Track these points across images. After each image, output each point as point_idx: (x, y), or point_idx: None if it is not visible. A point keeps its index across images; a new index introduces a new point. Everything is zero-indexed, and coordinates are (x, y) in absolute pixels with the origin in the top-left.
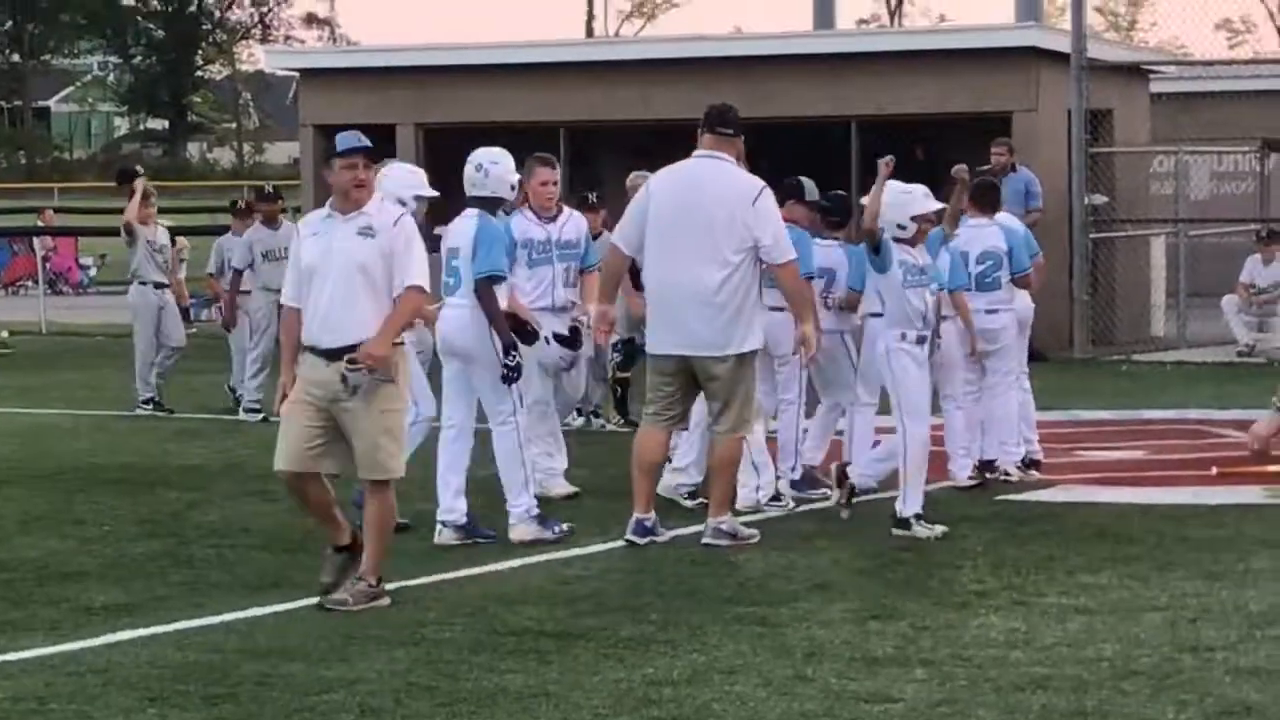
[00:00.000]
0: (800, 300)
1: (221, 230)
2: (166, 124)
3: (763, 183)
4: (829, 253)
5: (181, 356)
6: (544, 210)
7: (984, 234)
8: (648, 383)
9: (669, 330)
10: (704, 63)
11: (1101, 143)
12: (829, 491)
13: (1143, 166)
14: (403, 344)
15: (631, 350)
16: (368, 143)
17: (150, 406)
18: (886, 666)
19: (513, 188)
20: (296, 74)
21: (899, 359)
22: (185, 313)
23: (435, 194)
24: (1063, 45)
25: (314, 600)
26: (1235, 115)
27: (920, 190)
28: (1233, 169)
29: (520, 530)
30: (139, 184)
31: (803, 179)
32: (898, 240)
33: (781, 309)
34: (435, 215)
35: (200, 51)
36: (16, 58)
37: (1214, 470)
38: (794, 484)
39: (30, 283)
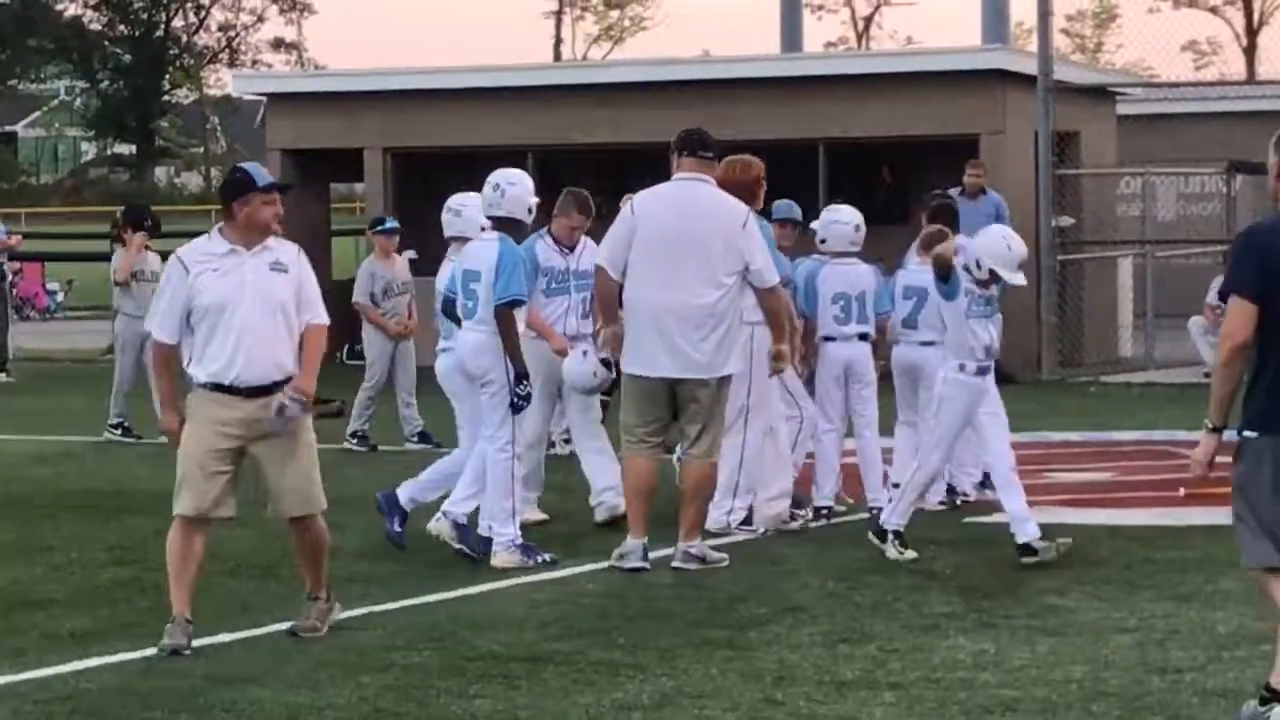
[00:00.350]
0: (783, 322)
1: None
2: (134, 149)
3: (748, 208)
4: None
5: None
6: (565, 241)
7: None
8: (633, 408)
9: (661, 353)
10: (672, 86)
11: (1068, 164)
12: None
13: (1110, 188)
14: None
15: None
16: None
17: (119, 431)
18: (856, 690)
19: (530, 210)
20: (264, 98)
21: (950, 390)
22: None
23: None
24: (1029, 67)
25: (283, 626)
26: (1202, 137)
27: (1019, 256)
28: (1199, 190)
29: (503, 558)
30: (138, 240)
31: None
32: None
33: (931, 343)
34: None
35: (168, 76)
36: None
37: (1182, 492)
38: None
39: None
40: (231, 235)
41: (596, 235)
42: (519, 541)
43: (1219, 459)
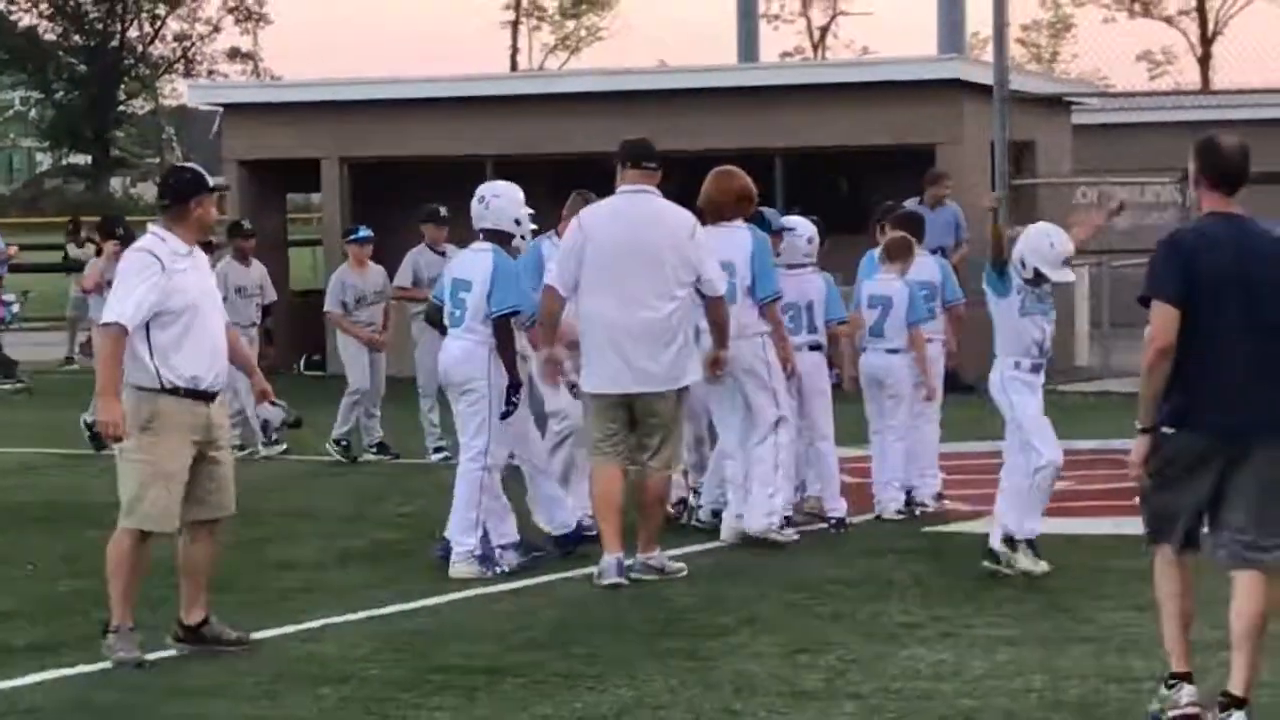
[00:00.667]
0: (725, 330)
1: None
2: (89, 159)
3: (695, 217)
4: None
5: None
6: None
7: (919, 264)
8: (594, 422)
9: (619, 369)
10: (629, 96)
11: (1025, 174)
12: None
13: (1065, 198)
14: None
15: None
16: None
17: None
18: (816, 700)
19: (518, 221)
20: (220, 109)
21: (1014, 387)
22: None
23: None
24: (985, 77)
25: (238, 634)
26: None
27: (1063, 254)
28: (1155, 200)
29: (461, 569)
30: (109, 249)
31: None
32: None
33: (896, 350)
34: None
35: (123, 86)
36: None
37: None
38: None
39: None
40: (184, 235)
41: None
42: (477, 552)
43: None
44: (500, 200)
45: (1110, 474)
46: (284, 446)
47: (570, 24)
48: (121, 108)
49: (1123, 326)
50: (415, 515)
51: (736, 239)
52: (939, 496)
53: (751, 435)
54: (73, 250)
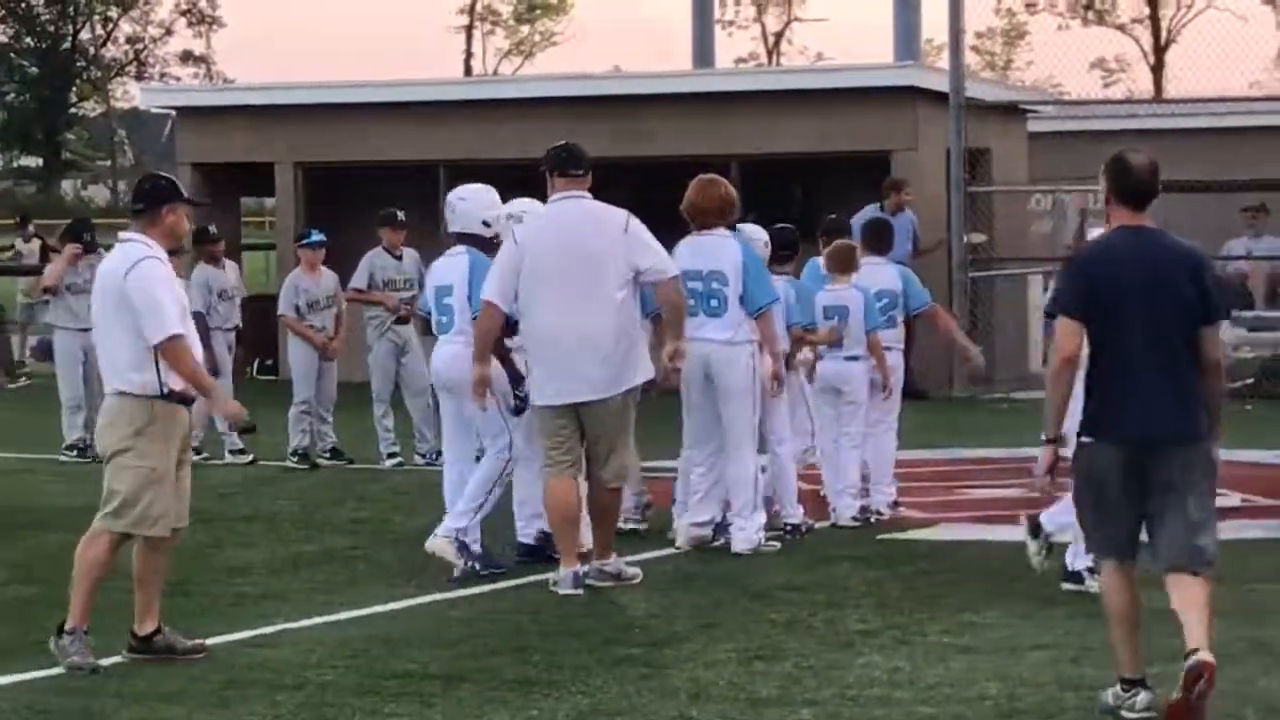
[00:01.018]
0: (679, 315)
1: None
2: (40, 161)
3: (626, 211)
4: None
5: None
6: None
7: (880, 272)
8: (543, 431)
9: (565, 379)
10: (583, 101)
11: (980, 181)
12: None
13: (1021, 205)
14: None
15: None
16: None
17: (74, 453)
18: (771, 707)
19: (486, 223)
20: (172, 112)
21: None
22: None
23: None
24: (941, 84)
25: (195, 642)
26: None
27: None
28: None
29: (439, 544)
30: (69, 250)
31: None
32: None
33: (855, 358)
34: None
35: (75, 88)
36: None
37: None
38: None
39: None
40: (159, 240)
41: None
42: (462, 538)
43: None
44: (466, 203)
45: (1065, 481)
46: (250, 458)
47: (524, 29)
48: (73, 110)
49: None
50: (369, 521)
51: (727, 249)
52: (895, 504)
53: (728, 450)
54: (19, 244)
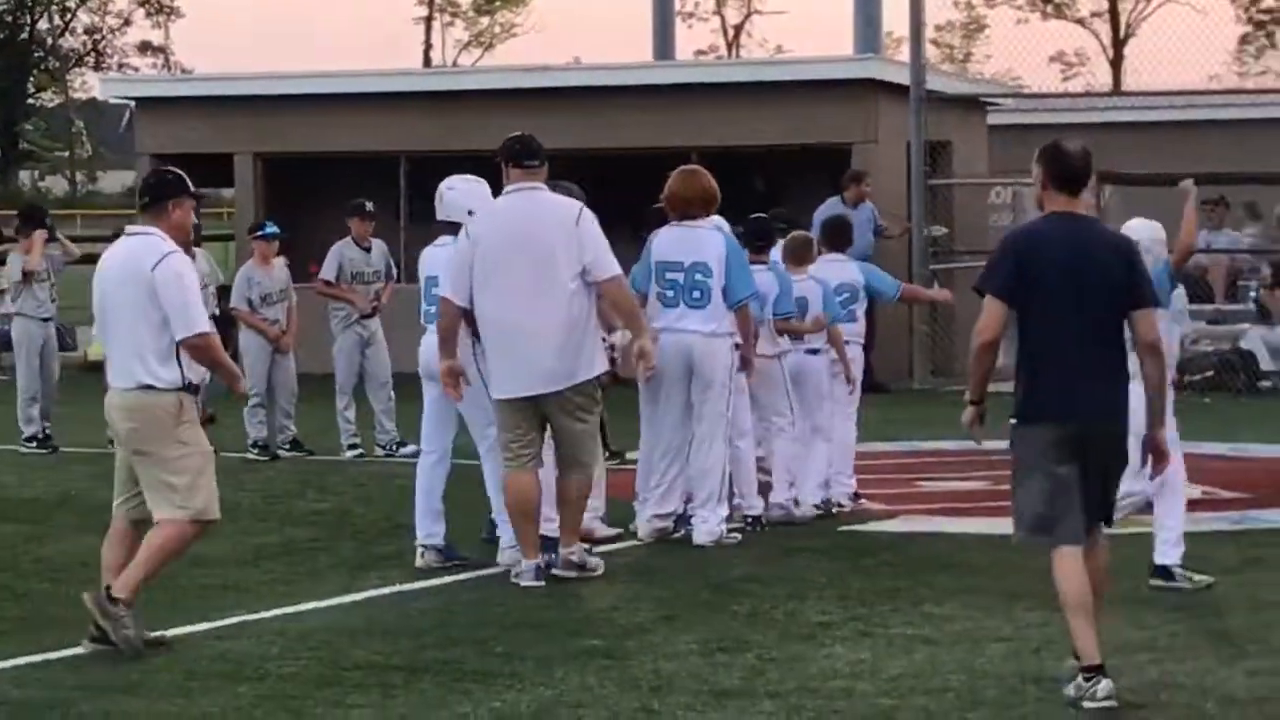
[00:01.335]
0: (631, 315)
1: None
2: None
3: (580, 203)
4: (758, 277)
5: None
6: None
7: (841, 268)
8: (502, 424)
9: (521, 371)
10: (544, 93)
11: (940, 174)
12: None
13: (981, 198)
14: None
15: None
16: None
17: (34, 444)
18: (734, 699)
19: (470, 212)
20: (131, 102)
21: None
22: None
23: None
24: (901, 77)
25: (156, 634)
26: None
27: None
28: None
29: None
30: (39, 236)
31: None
32: None
33: (816, 350)
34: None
35: (32, 79)
36: None
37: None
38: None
39: None
40: (167, 234)
41: None
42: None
43: None
44: (453, 193)
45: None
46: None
47: (484, 20)
48: (31, 100)
49: None
50: (330, 512)
51: (710, 240)
52: (855, 496)
53: (699, 440)
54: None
